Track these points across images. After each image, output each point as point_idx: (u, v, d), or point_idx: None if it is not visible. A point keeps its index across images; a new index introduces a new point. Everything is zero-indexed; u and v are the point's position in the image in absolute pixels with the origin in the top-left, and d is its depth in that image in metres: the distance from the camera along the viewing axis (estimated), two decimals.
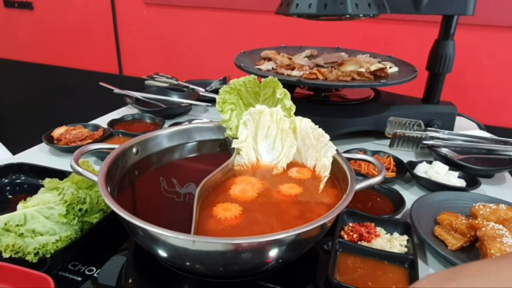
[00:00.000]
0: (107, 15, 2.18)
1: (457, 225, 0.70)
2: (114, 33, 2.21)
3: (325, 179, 0.68)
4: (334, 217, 0.55)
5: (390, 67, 1.17)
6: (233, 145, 0.73)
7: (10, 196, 0.81)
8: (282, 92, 0.74)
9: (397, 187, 0.89)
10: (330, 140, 0.69)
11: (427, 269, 0.66)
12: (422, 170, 0.93)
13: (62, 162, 0.93)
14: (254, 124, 0.74)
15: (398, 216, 0.75)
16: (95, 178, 0.60)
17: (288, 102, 0.75)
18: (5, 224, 0.58)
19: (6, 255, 0.55)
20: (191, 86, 1.41)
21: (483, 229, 0.67)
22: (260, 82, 0.75)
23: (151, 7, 2.08)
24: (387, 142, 1.04)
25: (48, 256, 0.57)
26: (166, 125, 1.15)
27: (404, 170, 0.93)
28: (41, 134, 1.01)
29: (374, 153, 1.00)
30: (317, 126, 0.71)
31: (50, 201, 0.63)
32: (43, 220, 0.60)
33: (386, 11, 1.01)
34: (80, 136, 1.01)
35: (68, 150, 0.98)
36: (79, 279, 0.58)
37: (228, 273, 0.58)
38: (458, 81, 1.50)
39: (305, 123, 0.72)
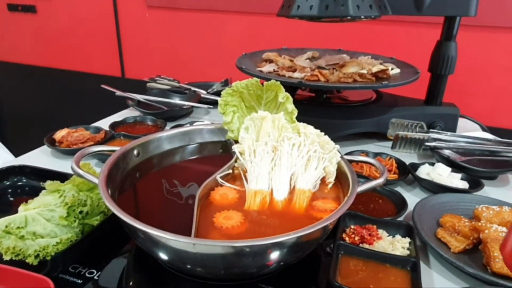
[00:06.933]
0: (110, 18, 2.19)
1: (460, 227, 0.70)
2: (116, 36, 2.22)
3: (330, 185, 0.67)
4: (335, 220, 0.55)
5: (392, 69, 1.16)
6: (233, 149, 0.73)
7: (11, 199, 0.81)
8: (284, 96, 0.74)
9: (399, 189, 0.89)
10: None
11: (429, 271, 0.65)
12: (425, 172, 0.92)
13: (64, 165, 0.93)
14: (256, 130, 0.74)
15: (400, 218, 0.75)
16: (96, 181, 0.60)
17: (290, 106, 0.74)
18: (6, 226, 0.58)
19: (6, 257, 0.55)
20: (193, 88, 1.41)
21: (486, 231, 0.66)
22: (263, 85, 0.75)
23: (153, 10, 2.09)
24: (389, 144, 1.04)
25: (48, 258, 0.57)
26: (167, 127, 1.15)
27: (406, 172, 0.92)
28: (43, 137, 1.01)
29: (376, 155, 0.99)
30: (322, 133, 0.70)
31: (51, 203, 0.63)
32: (44, 223, 0.60)
33: (388, 12, 1.01)
34: (81, 138, 1.01)
35: (70, 152, 0.98)
36: (80, 281, 0.58)
37: (229, 276, 0.58)
38: (460, 83, 1.49)
39: (310, 130, 0.71)
